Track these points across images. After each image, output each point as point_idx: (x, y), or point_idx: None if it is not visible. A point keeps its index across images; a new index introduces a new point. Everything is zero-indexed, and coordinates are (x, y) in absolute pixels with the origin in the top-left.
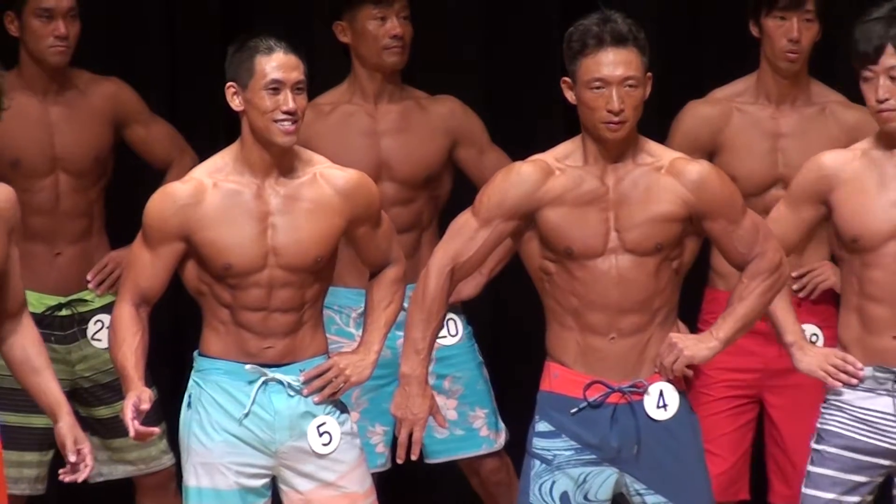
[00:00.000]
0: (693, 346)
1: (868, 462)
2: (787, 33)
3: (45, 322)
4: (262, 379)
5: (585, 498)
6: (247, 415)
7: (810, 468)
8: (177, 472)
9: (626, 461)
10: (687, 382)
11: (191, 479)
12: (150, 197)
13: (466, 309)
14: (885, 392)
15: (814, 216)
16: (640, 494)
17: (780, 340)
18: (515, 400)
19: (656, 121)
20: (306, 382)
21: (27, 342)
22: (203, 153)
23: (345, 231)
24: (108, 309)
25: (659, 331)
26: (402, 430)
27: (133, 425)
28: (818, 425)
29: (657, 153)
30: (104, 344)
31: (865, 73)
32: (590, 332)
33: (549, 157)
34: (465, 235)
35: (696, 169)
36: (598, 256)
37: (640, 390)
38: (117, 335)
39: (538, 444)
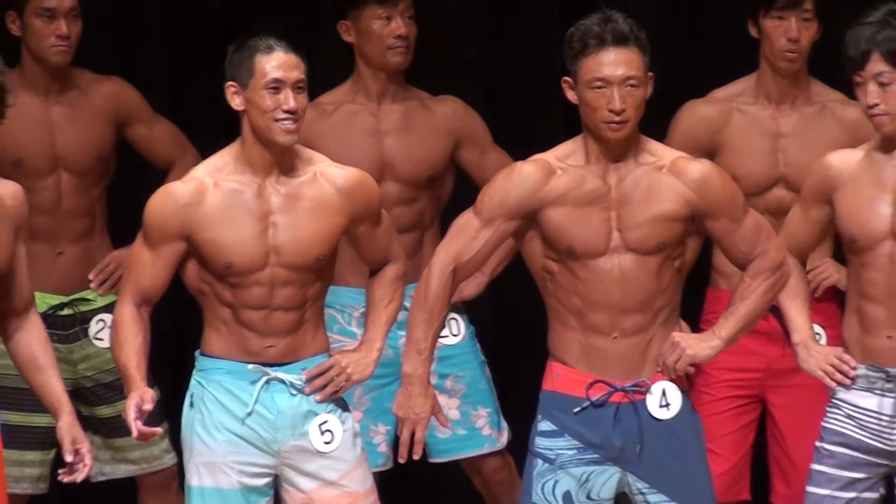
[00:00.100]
0: (695, 346)
1: (862, 459)
2: (786, 33)
3: (47, 321)
4: (265, 378)
5: (588, 497)
6: (249, 414)
7: (812, 465)
8: (179, 471)
9: (629, 460)
10: (689, 380)
11: (193, 479)
12: (151, 196)
13: (468, 308)
14: (877, 391)
15: (822, 216)
16: (642, 493)
17: (789, 339)
18: (517, 399)
19: (656, 121)
20: (308, 381)
21: (33, 340)
22: (205, 153)
23: (345, 229)
24: (110, 308)
25: (661, 330)
26: (405, 430)
27: (136, 425)
28: (822, 423)
29: (659, 152)
30: (106, 343)
31: (855, 78)
32: (592, 332)
33: (550, 156)
34: (467, 235)
35: (698, 168)
36: (600, 256)
37: (643, 389)
38: (119, 335)
39: (540, 443)
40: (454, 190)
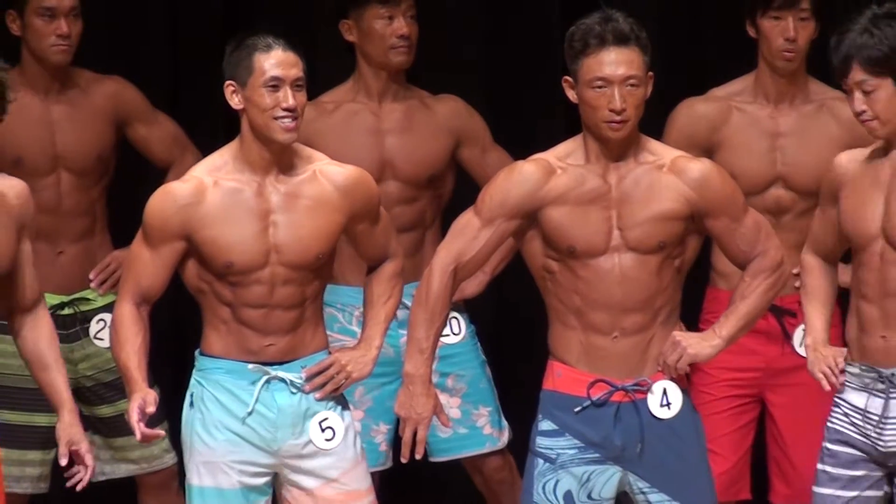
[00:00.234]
0: (696, 345)
1: (861, 457)
2: (783, 33)
3: None
4: (265, 377)
5: (589, 497)
6: (250, 413)
7: (817, 465)
8: (179, 470)
9: (630, 460)
10: (687, 379)
11: (194, 479)
12: (151, 196)
13: (469, 307)
14: (870, 391)
15: (836, 216)
16: (643, 493)
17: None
18: (518, 399)
19: (656, 120)
20: (308, 379)
21: (39, 337)
22: (205, 152)
23: (345, 227)
24: (110, 308)
25: (661, 329)
26: (406, 430)
27: (139, 428)
28: (826, 423)
29: (659, 152)
30: (106, 343)
31: (843, 85)
32: (593, 331)
33: (550, 155)
34: (468, 235)
35: (698, 167)
36: (600, 255)
37: (644, 389)
38: (119, 335)
39: (541, 442)
40: (455, 189)
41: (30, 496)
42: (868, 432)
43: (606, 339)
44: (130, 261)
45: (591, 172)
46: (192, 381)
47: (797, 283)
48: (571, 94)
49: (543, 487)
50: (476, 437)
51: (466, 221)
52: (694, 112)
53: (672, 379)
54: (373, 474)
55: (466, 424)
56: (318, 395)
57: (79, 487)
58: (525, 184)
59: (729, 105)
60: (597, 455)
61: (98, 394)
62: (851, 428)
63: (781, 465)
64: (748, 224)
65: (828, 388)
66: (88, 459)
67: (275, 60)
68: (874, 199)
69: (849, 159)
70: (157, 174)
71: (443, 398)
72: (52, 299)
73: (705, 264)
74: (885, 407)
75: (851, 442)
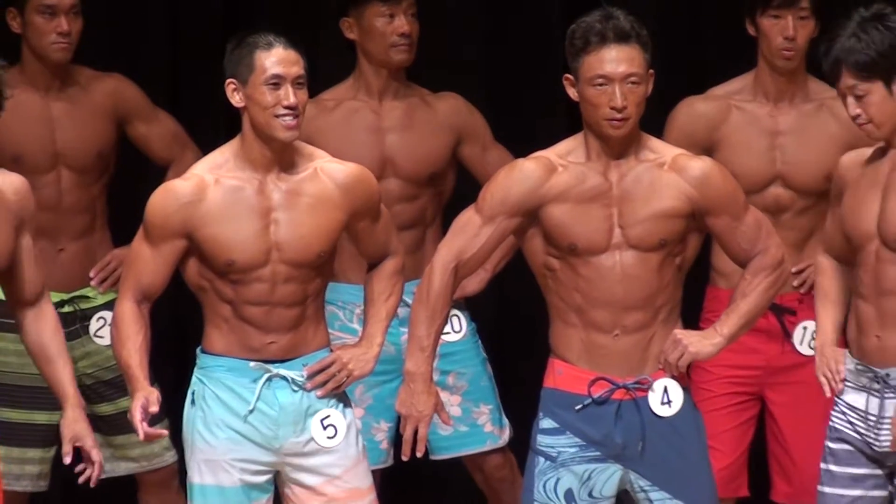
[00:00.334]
0: (697, 343)
1: (860, 455)
2: (783, 31)
3: None
4: (266, 375)
5: (590, 495)
6: (251, 411)
7: (820, 465)
8: (179, 468)
9: (631, 458)
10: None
11: (195, 476)
12: (152, 194)
13: (470, 305)
14: (866, 390)
15: None
16: (644, 491)
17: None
18: (519, 397)
19: (656, 119)
20: (309, 377)
21: (42, 330)
22: (206, 150)
23: (346, 225)
24: (110, 306)
25: (662, 327)
26: (407, 428)
27: (142, 427)
28: (828, 423)
29: (659, 150)
30: (106, 341)
31: (836, 90)
32: (594, 329)
33: (551, 153)
34: (469, 232)
35: (699, 165)
36: (601, 253)
37: (645, 387)
38: (120, 333)
39: (542, 440)
40: (455, 187)
41: (29, 494)
42: (865, 432)
43: (607, 337)
44: (131, 259)
45: (591, 170)
46: (194, 378)
47: (796, 282)
48: (572, 92)
49: (544, 485)
50: (477, 435)
51: (467, 219)
52: (694, 111)
53: (673, 377)
54: (373, 472)
55: (467, 422)
56: (319, 392)
57: (91, 484)
58: (526, 181)
59: (728, 104)
60: (598, 453)
61: (98, 392)
62: (850, 427)
63: (782, 463)
64: (749, 222)
65: (827, 391)
66: (95, 455)
67: (276, 58)
68: (871, 199)
69: (852, 159)
70: (157, 172)
71: (443, 396)
72: (53, 297)
73: (705, 263)
74: (881, 407)
75: (851, 441)
